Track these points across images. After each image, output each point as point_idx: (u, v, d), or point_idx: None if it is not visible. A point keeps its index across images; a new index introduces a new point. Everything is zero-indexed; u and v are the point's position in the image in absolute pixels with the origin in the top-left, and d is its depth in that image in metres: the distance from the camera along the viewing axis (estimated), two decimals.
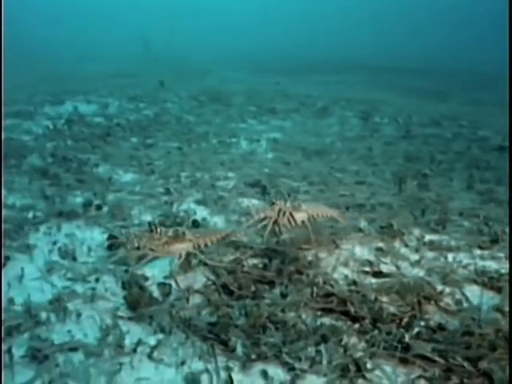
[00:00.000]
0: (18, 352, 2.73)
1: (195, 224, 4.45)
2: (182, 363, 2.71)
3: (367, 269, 3.76)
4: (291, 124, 9.77)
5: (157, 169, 6.34)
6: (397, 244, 4.23)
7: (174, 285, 3.45)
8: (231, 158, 6.92)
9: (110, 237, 4.14)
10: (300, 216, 3.75)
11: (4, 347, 2.73)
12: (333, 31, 41.65)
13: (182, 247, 3.46)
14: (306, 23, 46.22)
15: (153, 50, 26.32)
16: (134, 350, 2.79)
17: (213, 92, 13.51)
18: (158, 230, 3.40)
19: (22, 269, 3.71)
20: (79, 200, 5.20)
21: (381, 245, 4.17)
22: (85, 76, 17.60)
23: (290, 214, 3.69)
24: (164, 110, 11.04)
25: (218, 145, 7.85)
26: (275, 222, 3.66)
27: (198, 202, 5.16)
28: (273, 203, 3.72)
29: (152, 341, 2.88)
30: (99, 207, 4.96)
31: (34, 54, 24.71)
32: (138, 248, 3.34)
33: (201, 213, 4.89)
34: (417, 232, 4.46)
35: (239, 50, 30.08)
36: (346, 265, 3.81)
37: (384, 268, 3.79)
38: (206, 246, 3.60)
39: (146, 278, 3.54)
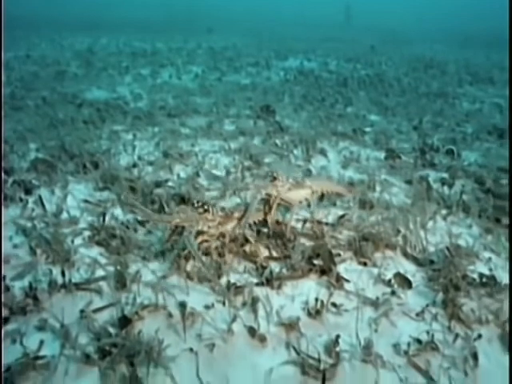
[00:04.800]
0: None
1: (449, 152, 5.53)
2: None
3: None
4: None
5: (397, 113, 7.51)
6: None
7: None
8: (462, 112, 7.79)
9: (388, 150, 5.45)
10: (303, 192, 3.61)
11: None
12: None
13: (232, 225, 3.28)
14: None
15: (354, 18, 27.39)
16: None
17: (424, 59, 14.21)
18: (211, 209, 3.15)
19: (329, 160, 5.23)
20: (341, 128, 6.59)
21: None
22: (299, 39, 19.40)
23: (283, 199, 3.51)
24: (382, 72, 12.12)
25: (443, 102, 8.72)
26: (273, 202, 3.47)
27: (444, 140, 6.21)
28: (274, 178, 3.44)
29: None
30: (364, 133, 6.32)
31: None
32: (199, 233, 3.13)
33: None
34: None
35: (439, 24, 29.63)
36: None
37: None
38: (249, 226, 3.41)
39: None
